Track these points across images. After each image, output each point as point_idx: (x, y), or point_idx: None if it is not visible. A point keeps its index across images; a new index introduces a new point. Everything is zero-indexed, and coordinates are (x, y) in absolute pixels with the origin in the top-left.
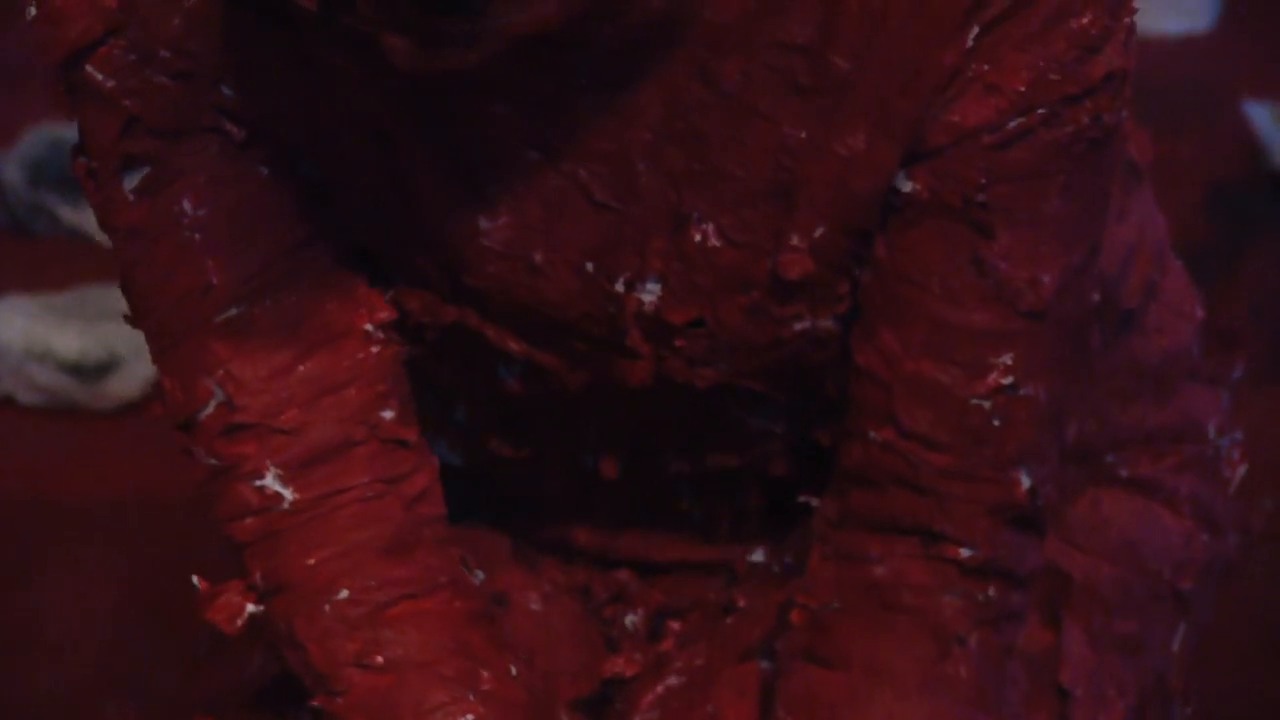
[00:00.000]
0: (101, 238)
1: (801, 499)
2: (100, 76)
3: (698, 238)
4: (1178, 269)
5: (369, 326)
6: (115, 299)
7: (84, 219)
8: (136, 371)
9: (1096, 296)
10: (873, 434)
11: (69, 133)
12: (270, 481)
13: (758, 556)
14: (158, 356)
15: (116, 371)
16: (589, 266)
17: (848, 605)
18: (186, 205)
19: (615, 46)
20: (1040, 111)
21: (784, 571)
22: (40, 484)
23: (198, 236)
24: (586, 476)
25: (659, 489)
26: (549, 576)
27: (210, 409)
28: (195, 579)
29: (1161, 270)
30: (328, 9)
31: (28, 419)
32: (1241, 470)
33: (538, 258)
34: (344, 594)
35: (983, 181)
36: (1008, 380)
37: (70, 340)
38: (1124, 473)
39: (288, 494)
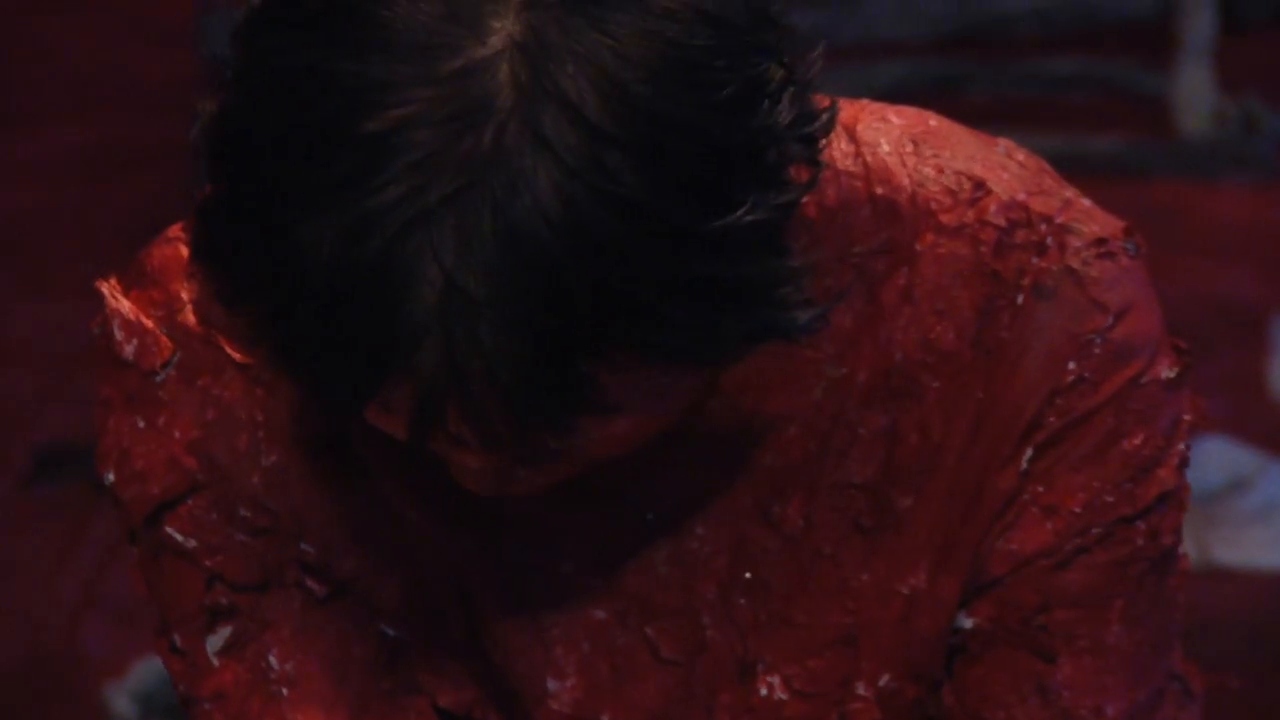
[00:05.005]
0: None
1: None
2: (180, 537)
3: (764, 690)
4: None
5: None
6: None
7: None
8: None
9: None
10: None
11: None
12: None
13: None
14: None
15: None
16: None
17: None
18: (273, 659)
19: (679, 485)
20: (1095, 532)
21: None
22: None
23: (285, 691)
24: None
25: None
26: None
27: None
28: None
29: None
30: (418, 431)
31: None
32: None
33: None
34: None
35: (1042, 605)
36: None
37: None
38: None
39: None
